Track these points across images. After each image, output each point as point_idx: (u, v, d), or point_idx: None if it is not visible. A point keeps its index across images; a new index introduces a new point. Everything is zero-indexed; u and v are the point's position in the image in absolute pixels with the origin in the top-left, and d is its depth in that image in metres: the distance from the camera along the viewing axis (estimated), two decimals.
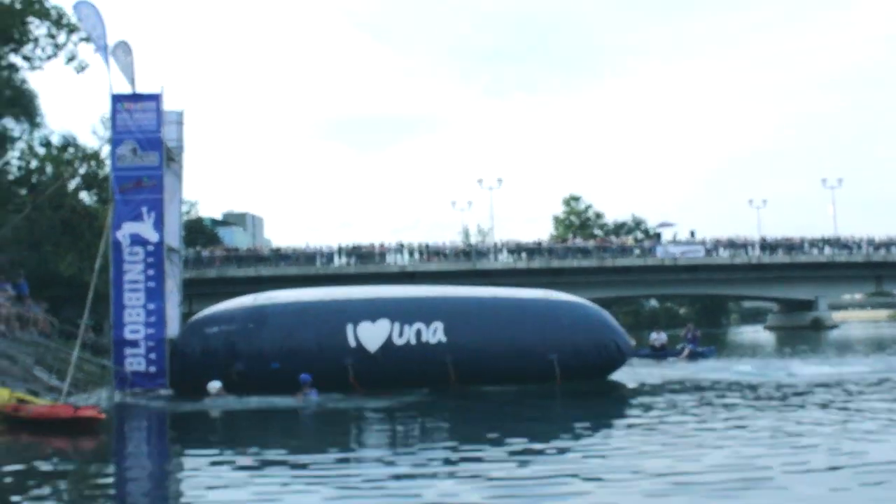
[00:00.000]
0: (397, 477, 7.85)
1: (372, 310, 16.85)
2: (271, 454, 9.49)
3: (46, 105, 61.23)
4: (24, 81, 25.05)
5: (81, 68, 23.12)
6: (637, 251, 53.44)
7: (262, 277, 45.52)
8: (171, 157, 17.47)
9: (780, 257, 53.34)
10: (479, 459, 8.60)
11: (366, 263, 48.58)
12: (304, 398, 14.78)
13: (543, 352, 16.72)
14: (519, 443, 9.56)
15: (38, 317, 18.44)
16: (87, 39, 20.82)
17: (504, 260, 50.78)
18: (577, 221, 77.96)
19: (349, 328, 16.50)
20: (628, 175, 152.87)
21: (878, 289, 62.13)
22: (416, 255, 49.68)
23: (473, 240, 65.94)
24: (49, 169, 24.90)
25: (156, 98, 16.82)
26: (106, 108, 18.04)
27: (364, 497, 7.07)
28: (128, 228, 16.30)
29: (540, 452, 9.04)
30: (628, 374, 18.50)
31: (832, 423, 10.28)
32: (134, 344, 16.05)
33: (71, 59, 23.03)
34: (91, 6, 17.06)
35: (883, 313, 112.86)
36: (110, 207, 16.56)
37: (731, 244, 53.50)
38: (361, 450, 10.06)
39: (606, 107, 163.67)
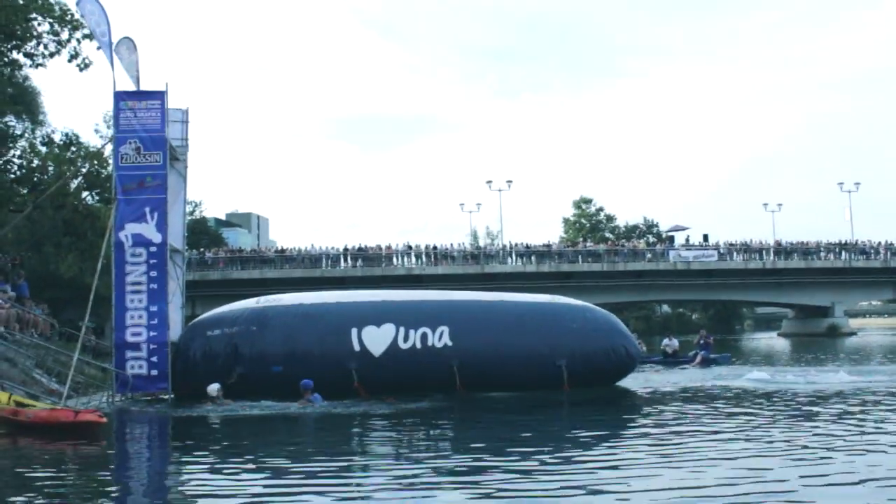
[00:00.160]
0: (398, 488, 7.55)
1: (377, 314, 16.66)
2: (270, 460, 9.30)
3: (49, 103, 61.50)
4: (26, 79, 24.94)
5: (85, 66, 22.95)
6: (649, 255, 53.08)
7: (266, 279, 45.46)
8: (175, 157, 17.25)
9: (796, 262, 52.80)
10: (483, 470, 8.32)
11: (372, 266, 48.39)
12: (307, 403, 14.49)
13: (552, 357, 16.47)
14: (525, 453, 9.27)
15: (39, 319, 18.25)
16: (91, 36, 20.61)
17: (513, 263, 50.48)
18: (587, 224, 77.73)
19: (353, 332, 16.29)
20: (640, 177, 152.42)
21: None
22: (424, 258, 49.44)
23: (482, 242, 65.64)
24: (51, 168, 24.74)
25: (160, 96, 16.61)
26: (109, 105, 17.92)
27: None
28: (130, 229, 16.09)
29: (546, 464, 8.74)
30: (639, 381, 18.24)
31: (850, 434, 9.95)
32: (135, 347, 15.81)
33: (74, 56, 22.84)
34: (95, 2, 16.85)
35: None
36: (113, 207, 16.36)
37: (746, 248, 53.04)
38: (362, 458, 9.78)
39: (618, 108, 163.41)
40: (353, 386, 15.69)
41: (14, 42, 22.37)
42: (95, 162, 25.08)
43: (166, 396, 15.96)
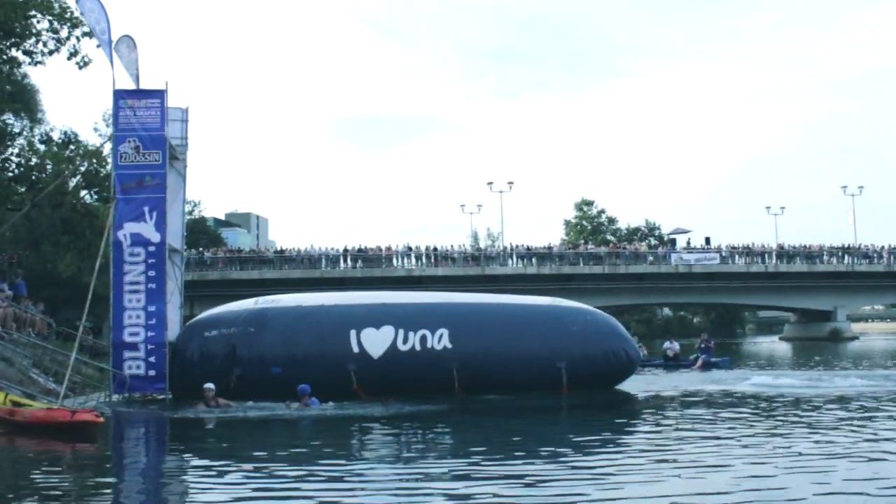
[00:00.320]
0: (394, 495, 7.42)
1: (376, 315, 16.60)
2: (267, 463, 9.21)
3: (48, 101, 61.54)
4: (25, 76, 24.89)
5: (84, 64, 22.83)
6: (650, 258, 52.93)
7: (265, 280, 45.38)
8: (174, 156, 17.18)
9: (798, 266, 52.61)
10: (482, 478, 8.18)
11: (372, 267, 48.29)
12: (305, 407, 14.38)
13: (551, 359, 16.41)
14: (525, 459, 9.19)
15: (36, 318, 18.15)
16: (90, 34, 20.49)
17: (514, 265, 50.38)
18: (589, 226, 77.61)
19: (352, 334, 16.22)
20: (642, 179, 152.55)
21: None
22: (424, 260, 49.34)
23: (483, 244, 65.51)
24: (49, 166, 24.67)
25: (160, 95, 16.55)
26: (108, 104, 17.85)
27: None
28: (129, 228, 16.03)
29: (544, 469, 8.62)
30: (640, 385, 18.12)
31: (850, 441, 9.84)
32: (133, 347, 15.75)
33: (73, 54, 22.72)
34: (94, 0, 16.75)
35: None
36: (111, 206, 16.29)
37: (748, 252, 52.89)
38: (358, 462, 9.65)
39: (619, 109, 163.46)
40: (352, 388, 15.61)
41: (13, 39, 22.25)
42: (94, 160, 25.04)
43: (163, 397, 15.86)
